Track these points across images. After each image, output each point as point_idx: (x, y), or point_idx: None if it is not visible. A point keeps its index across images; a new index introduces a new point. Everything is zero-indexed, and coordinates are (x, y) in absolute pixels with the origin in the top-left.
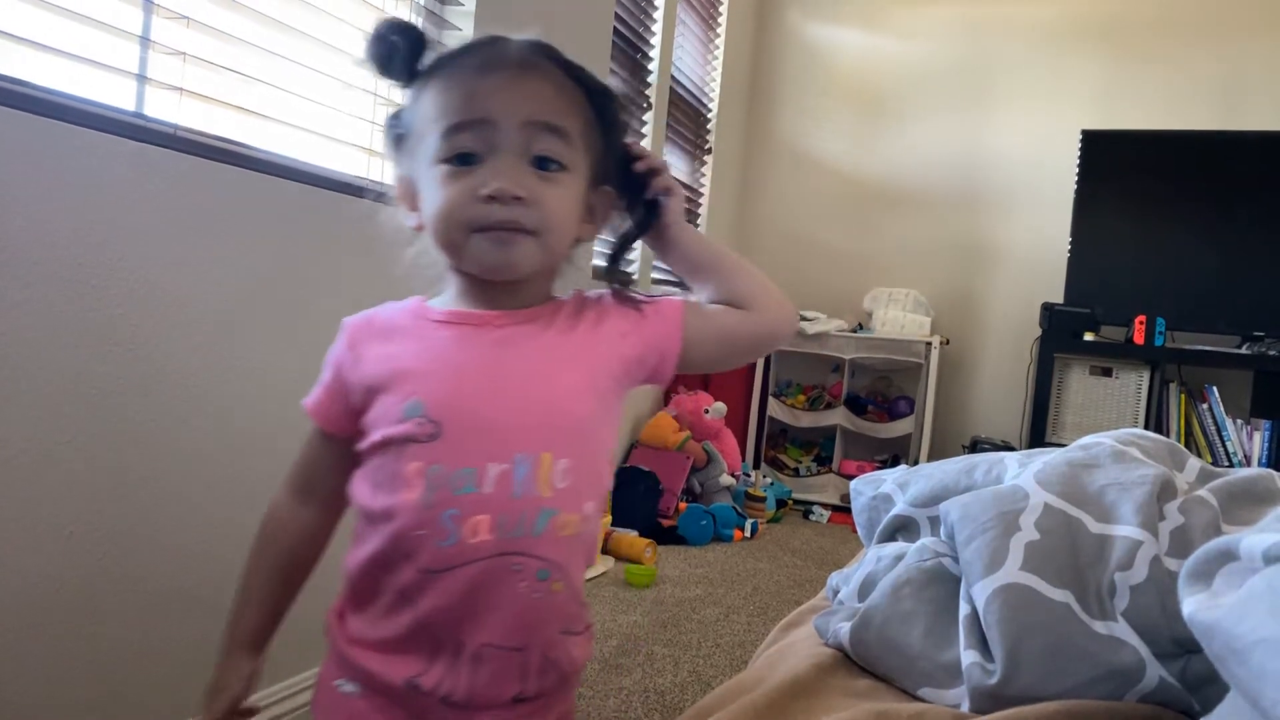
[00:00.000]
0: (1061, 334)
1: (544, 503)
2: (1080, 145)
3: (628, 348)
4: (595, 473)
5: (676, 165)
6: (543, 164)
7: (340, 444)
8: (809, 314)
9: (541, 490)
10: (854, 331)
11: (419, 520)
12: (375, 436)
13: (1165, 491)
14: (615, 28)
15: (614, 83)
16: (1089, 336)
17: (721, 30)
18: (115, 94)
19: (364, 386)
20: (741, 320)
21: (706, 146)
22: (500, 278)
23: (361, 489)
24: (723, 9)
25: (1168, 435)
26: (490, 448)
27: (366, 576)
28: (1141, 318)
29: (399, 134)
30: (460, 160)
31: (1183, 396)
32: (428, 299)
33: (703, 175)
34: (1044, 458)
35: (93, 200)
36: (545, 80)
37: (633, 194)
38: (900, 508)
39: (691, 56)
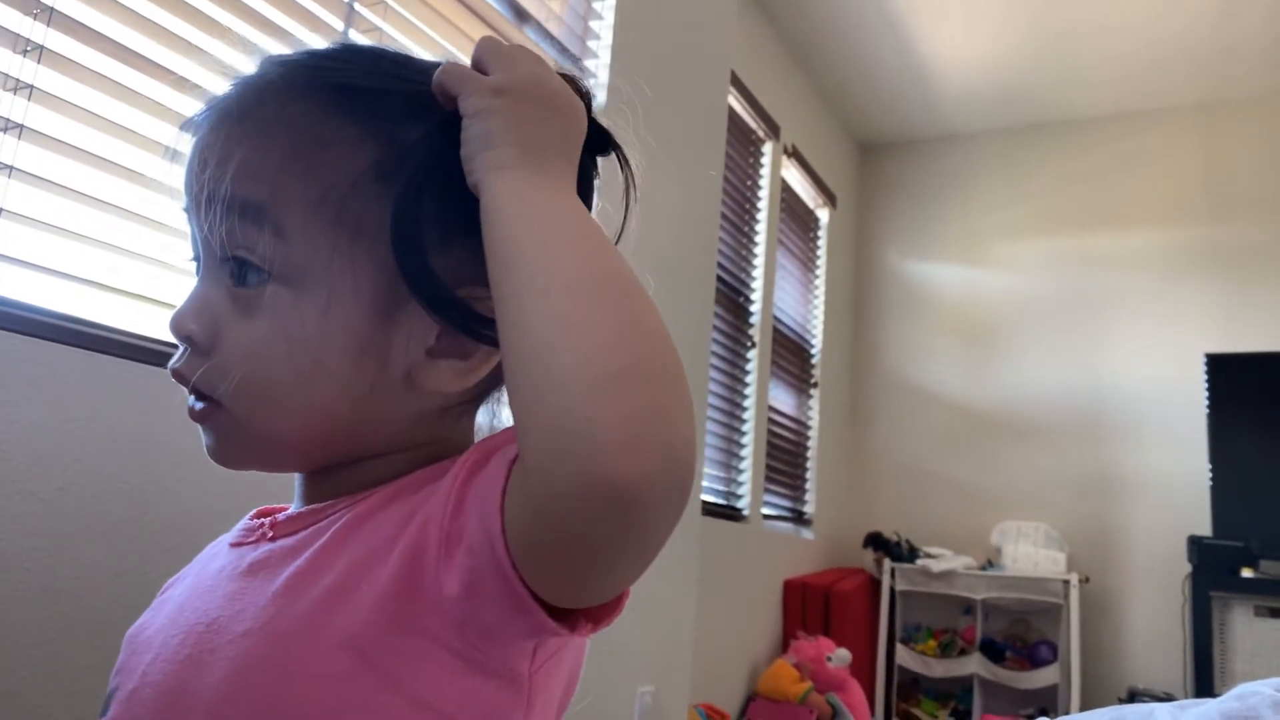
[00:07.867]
0: (1216, 570)
1: None
2: (1206, 369)
3: (384, 578)
4: None
5: (782, 399)
6: (241, 273)
7: None
8: (934, 550)
9: None
10: (983, 569)
11: None
12: None
13: None
14: (718, 275)
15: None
16: (1248, 573)
17: (820, 272)
18: (115, 314)
19: None
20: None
21: (812, 381)
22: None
23: None
24: (820, 253)
25: None
26: None
27: None
28: None
29: None
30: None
31: None
32: None
33: (810, 409)
34: (1197, 709)
35: (88, 418)
36: (242, 120)
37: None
38: None
39: (792, 296)
